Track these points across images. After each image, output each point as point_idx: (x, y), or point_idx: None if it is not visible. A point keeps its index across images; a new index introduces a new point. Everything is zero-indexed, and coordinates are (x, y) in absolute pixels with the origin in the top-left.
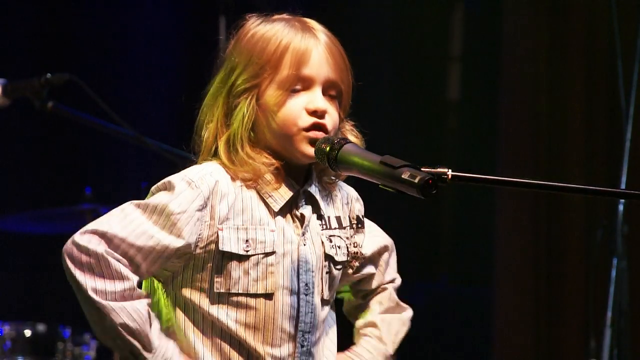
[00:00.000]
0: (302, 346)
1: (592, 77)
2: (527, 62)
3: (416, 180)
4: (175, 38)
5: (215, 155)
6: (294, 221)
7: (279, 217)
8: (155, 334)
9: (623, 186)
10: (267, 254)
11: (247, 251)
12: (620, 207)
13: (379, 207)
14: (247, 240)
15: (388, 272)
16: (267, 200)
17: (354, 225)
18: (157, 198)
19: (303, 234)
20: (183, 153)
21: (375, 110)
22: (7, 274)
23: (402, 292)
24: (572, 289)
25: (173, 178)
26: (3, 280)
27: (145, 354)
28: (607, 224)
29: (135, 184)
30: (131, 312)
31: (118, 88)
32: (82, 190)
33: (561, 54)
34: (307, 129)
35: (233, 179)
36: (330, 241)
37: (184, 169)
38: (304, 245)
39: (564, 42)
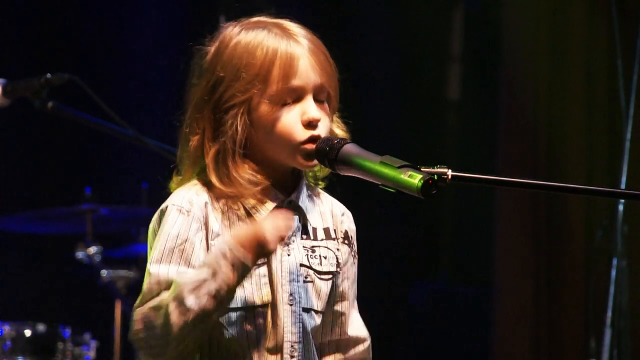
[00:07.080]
0: (292, 357)
1: (592, 77)
2: (527, 62)
3: (416, 181)
4: (175, 38)
5: (200, 170)
6: None
7: None
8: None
9: (623, 186)
10: (259, 265)
11: None
12: (620, 207)
13: (379, 207)
14: None
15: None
16: (252, 213)
17: (340, 240)
18: (161, 237)
19: (287, 245)
20: None
21: (375, 110)
22: (7, 274)
23: (402, 292)
24: (572, 288)
25: (164, 210)
26: (3, 280)
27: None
28: (607, 224)
29: (135, 184)
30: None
31: (118, 88)
32: (82, 190)
33: (561, 54)
34: (304, 142)
35: (218, 198)
36: (313, 251)
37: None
38: (288, 255)
39: (564, 42)
